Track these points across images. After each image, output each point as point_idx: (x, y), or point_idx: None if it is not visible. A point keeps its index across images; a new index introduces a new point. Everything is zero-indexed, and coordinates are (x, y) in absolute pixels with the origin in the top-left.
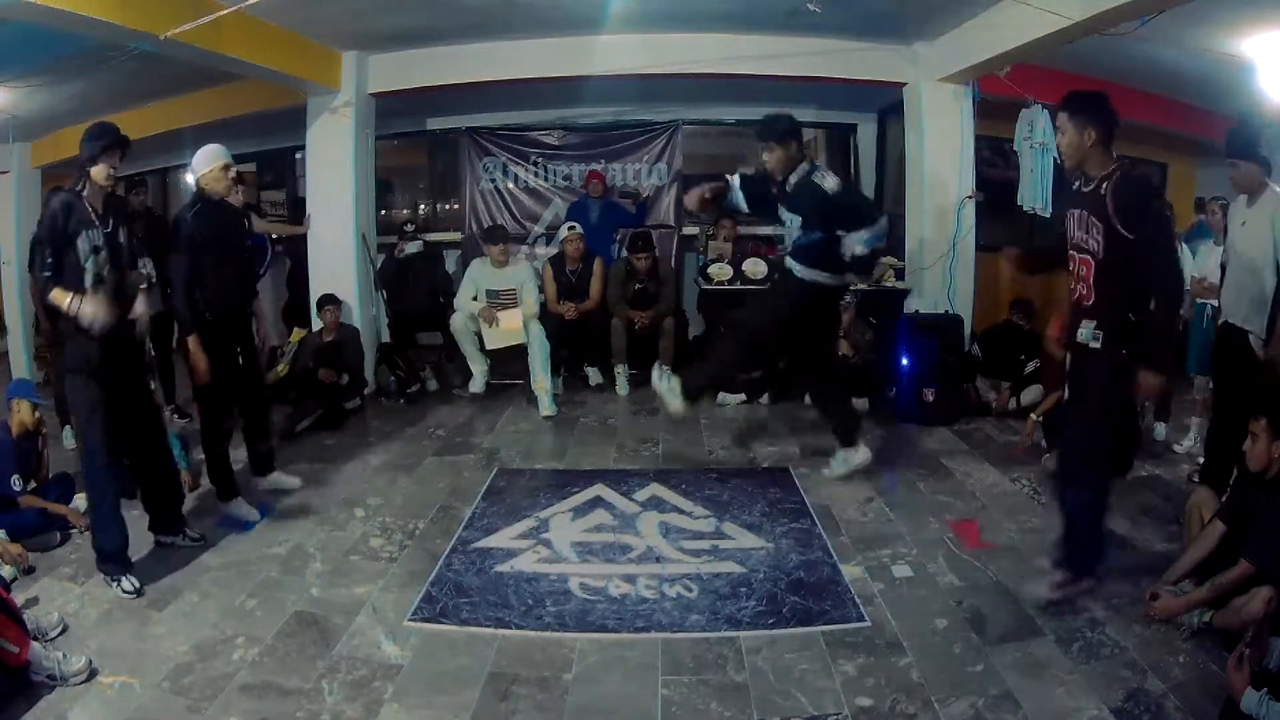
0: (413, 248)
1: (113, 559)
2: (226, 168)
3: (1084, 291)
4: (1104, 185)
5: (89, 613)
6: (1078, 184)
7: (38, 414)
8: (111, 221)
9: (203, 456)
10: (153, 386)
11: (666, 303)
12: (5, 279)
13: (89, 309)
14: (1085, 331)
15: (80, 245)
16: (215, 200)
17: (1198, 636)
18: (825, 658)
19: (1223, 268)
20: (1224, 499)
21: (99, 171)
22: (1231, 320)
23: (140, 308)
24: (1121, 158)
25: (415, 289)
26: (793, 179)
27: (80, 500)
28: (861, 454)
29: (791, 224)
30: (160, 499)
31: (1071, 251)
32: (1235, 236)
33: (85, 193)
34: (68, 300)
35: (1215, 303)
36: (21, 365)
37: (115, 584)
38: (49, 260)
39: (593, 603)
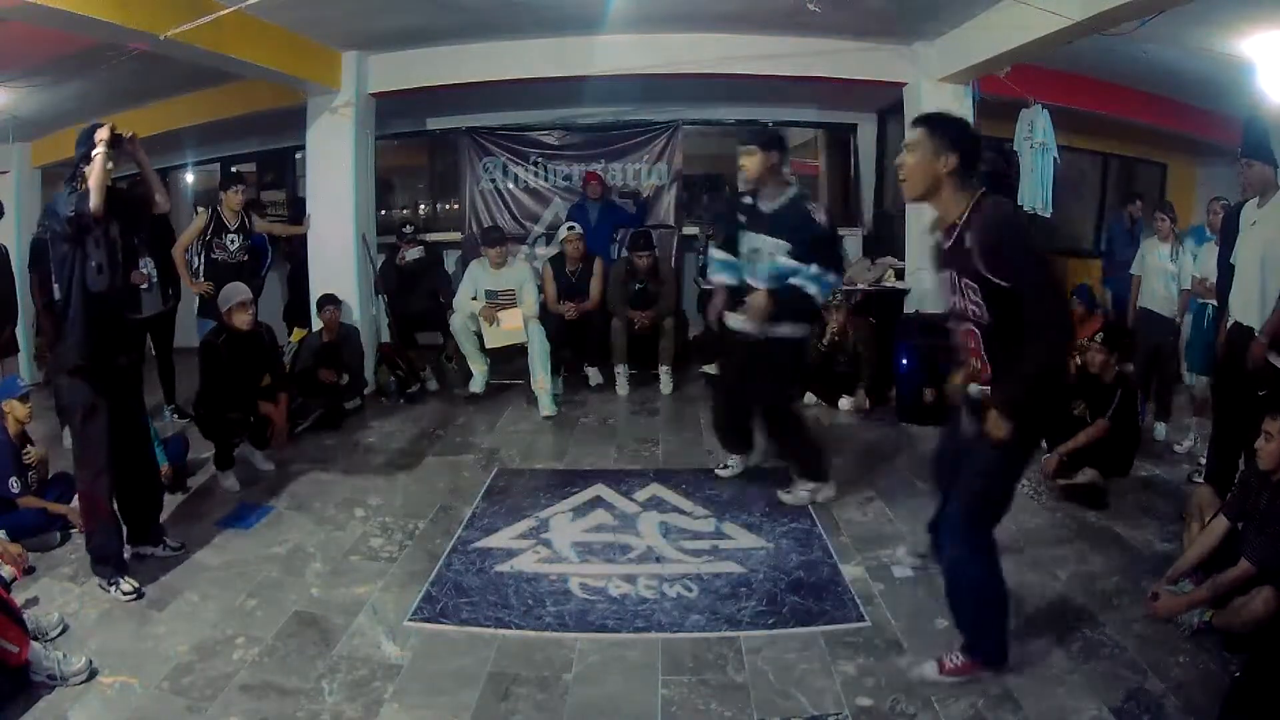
0: (414, 254)
1: (108, 561)
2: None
3: (979, 367)
4: (965, 233)
5: (89, 613)
6: (936, 236)
7: (29, 405)
8: (105, 217)
9: (208, 455)
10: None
11: (666, 303)
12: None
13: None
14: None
15: (88, 243)
16: None
17: (1197, 636)
18: (825, 658)
19: (1226, 268)
20: (1228, 497)
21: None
22: (1241, 320)
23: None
24: (980, 187)
25: (416, 292)
26: (773, 201)
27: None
28: (827, 490)
29: (762, 254)
30: (141, 509)
31: (952, 322)
32: (1245, 236)
33: (82, 189)
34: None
35: (1214, 303)
36: (20, 365)
37: (113, 586)
38: (71, 258)
39: (593, 603)
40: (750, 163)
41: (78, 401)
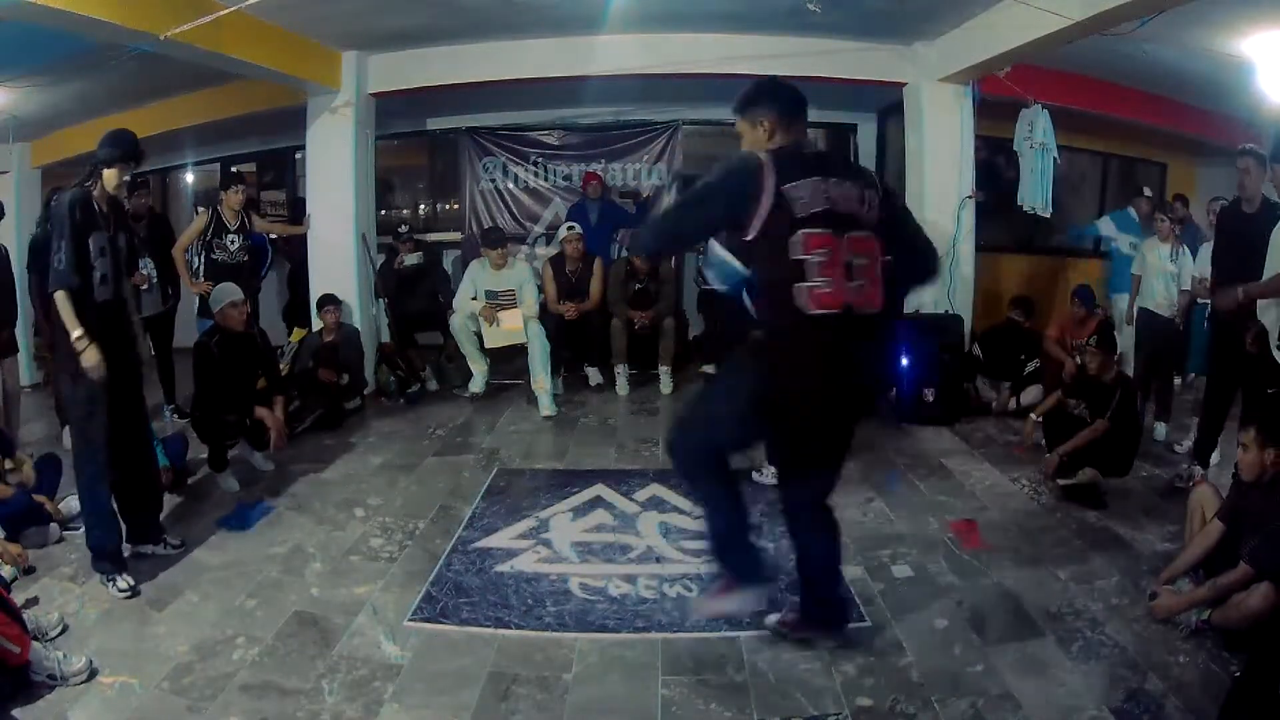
0: (412, 260)
1: (108, 557)
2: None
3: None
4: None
5: (89, 613)
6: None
7: None
8: (114, 225)
9: (205, 456)
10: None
11: (666, 303)
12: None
13: (92, 359)
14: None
15: (91, 246)
16: None
17: (1197, 636)
18: (825, 658)
19: (1220, 264)
20: (1225, 499)
21: (111, 175)
22: (1261, 320)
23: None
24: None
25: (415, 295)
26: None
27: (74, 501)
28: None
29: None
30: (140, 507)
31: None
32: (1275, 240)
33: (95, 193)
34: (78, 332)
35: (1210, 301)
36: (20, 365)
37: (111, 583)
38: (67, 258)
39: (593, 603)
40: None
41: (78, 400)
